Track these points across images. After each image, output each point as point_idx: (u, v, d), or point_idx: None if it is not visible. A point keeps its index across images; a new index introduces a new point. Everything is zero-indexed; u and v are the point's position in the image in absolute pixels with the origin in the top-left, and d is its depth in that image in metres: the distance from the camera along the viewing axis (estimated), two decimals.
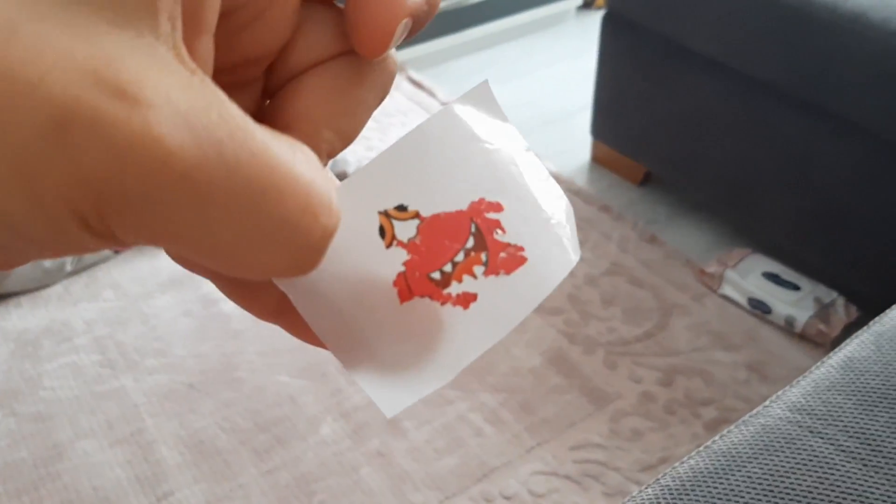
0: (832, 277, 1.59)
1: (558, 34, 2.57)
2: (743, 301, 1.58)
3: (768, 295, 1.55)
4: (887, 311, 0.85)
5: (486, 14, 2.43)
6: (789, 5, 1.40)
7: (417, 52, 2.34)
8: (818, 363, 0.79)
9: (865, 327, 0.83)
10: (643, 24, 1.70)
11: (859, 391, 0.74)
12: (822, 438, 0.69)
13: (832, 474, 0.66)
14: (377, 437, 1.35)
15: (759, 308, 1.55)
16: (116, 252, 1.70)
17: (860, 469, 0.67)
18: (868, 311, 1.56)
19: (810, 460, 0.68)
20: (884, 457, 0.68)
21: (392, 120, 2.13)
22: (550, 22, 2.60)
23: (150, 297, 1.61)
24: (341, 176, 1.90)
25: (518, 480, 1.29)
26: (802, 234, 1.56)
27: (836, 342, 1.50)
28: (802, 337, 1.52)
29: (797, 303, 1.53)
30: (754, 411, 0.75)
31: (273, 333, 1.53)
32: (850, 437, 0.69)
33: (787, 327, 1.53)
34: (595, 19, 2.63)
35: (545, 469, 1.31)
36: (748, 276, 1.59)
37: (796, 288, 1.56)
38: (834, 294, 1.55)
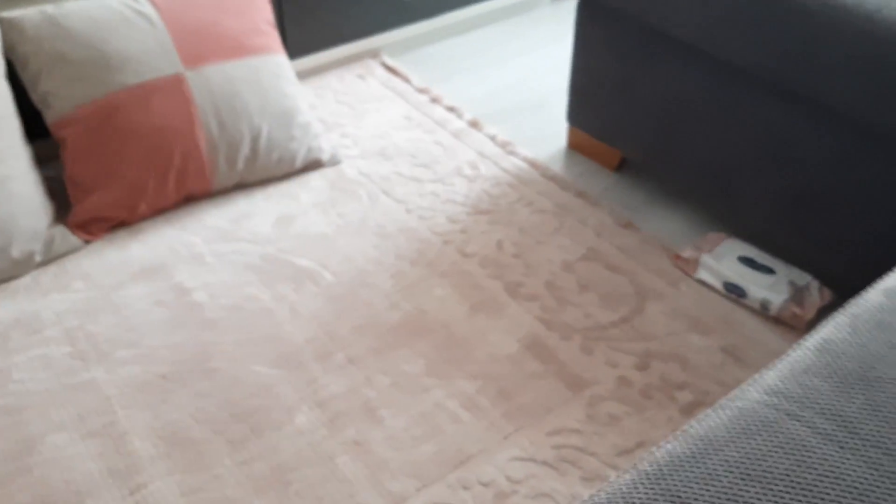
0: (807, 261, 1.59)
1: (534, 19, 2.56)
2: (718, 285, 1.58)
3: (743, 279, 1.55)
4: (862, 292, 0.85)
5: None
6: None
7: (392, 38, 2.31)
8: (794, 346, 0.79)
9: (841, 309, 0.83)
10: (619, 9, 1.69)
11: (836, 373, 0.74)
12: (798, 421, 0.69)
13: (809, 457, 0.66)
14: (353, 425, 1.34)
15: (735, 292, 1.56)
16: (87, 242, 1.68)
17: (837, 451, 0.67)
18: (842, 293, 1.57)
19: (787, 443, 0.67)
20: (861, 439, 0.68)
21: (367, 106, 2.11)
22: (526, 7, 2.59)
23: (121, 287, 1.58)
24: (316, 164, 1.88)
25: (495, 467, 1.29)
26: (777, 218, 1.57)
27: (810, 325, 1.51)
28: (777, 320, 1.53)
29: (772, 286, 1.53)
30: (731, 395, 0.74)
31: (248, 322, 1.51)
32: (827, 419, 0.69)
33: (762, 310, 1.53)
34: (571, 5, 2.62)
35: (522, 455, 1.31)
36: (723, 260, 1.59)
37: (771, 272, 1.56)
38: (808, 277, 1.56)
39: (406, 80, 2.21)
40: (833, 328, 0.80)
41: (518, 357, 1.47)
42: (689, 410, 1.38)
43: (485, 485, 1.27)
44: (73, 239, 1.66)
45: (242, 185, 1.83)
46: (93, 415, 1.36)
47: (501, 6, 2.52)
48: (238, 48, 1.77)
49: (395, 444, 1.32)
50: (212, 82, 1.72)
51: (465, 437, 1.33)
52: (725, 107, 1.57)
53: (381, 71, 2.25)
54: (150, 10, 1.72)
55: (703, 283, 1.61)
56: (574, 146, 2.00)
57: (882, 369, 0.73)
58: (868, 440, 0.67)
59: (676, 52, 1.62)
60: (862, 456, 0.66)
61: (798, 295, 1.52)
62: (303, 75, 2.21)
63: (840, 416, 0.69)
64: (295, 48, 2.15)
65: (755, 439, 0.68)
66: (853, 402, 0.70)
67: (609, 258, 1.68)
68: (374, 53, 2.30)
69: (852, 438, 0.67)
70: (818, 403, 0.71)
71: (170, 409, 1.36)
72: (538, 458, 1.31)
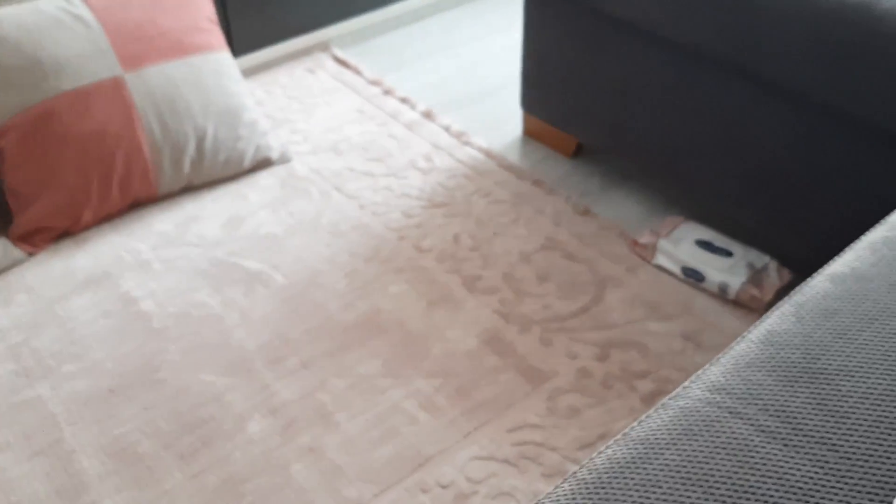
0: (765, 241, 1.58)
1: (484, 7, 2.52)
2: (676, 270, 1.56)
3: (701, 263, 1.53)
4: (808, 280, 0.82)
5: None
6: None
7: (342, 30, 2.27)
8: (738, 338, 0.77)
9: (787, 298, 0.81)
10: None
11: (780, 366, 0.71)
12: (741, 419, 0.67)
13: (752, 457, 0.64)
14: (308, 431, 1.31)
15: (693, 276, 1.54)
16: (30, 254, 1.62)
17: (780, 450, 0.64)
18: (801, 273, 1.56)
19: (729, 443, 0.65)
20: (805, 435, 0.65)
21: (318, 101, 2.07)
22: None
23: (65, 299, 1.53)
24: (265, 162, 1.83)
25: (455, 467, 1.26)
26: (734, 199, 1.55)
27: (769, 306, 1.49)
28: (736, 303, 1.51)
29: (730, 269, 1.51)
30: (673, 393, 0.72)
31: (196, 330, 1.47)
32: (771, 415, 0.67)
33: (721, 294, 1.52)
34: None
35: (482, 454, 1.28)
36: (681, 244, 1.57)
37: (729, 254, 1.54)
38: (766, 258, 1.54)
39: (357, 72, 2.17)
40: (778, 318, 0.77)
41: (477, 353, 1.44)
42: (651, 399, 1.36)
43: (444, 487, 1.24)
44: (16, 252, 1.61)
45: (190, 188, 1.78)
46: (38, 433, 1.31)
47: None
48: (178, 47, 1.72)
49: (351, 449, 1.28)
50: (152, 84, 1.67)
51: (424, 438, 1.30)
52: (679, 88, 1.54)
53: (331, 64, 2.21)
54: (85, 12, 1.66)
55: (661, 268, 1.59)
56: (529, 133, 1.97)
57: (827, 360, 0.71)
58: (812, 436, 0.65)
59: (627, 34, 1.59)
60: (807, 453, 0.64)
61: (756, 277, 1.50)
62: (251, 72, 2.16)
63: (784, 411, 0.67)
64: (241, 44, 2.10)
65: (697, 440, 0.66)
66: (797, 397, 0.68)
67: (567, 247, 1.65)
68: (323, 46, 2.26)
69: (796, 435, 0.65)
70: (761, 399, 0.68)
71: (117, 424, 1.32)
72: (498, 456, 1.28)
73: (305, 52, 2.23)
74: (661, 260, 1.58)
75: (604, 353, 1.44)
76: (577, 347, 1.45)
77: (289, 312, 1.51)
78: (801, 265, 1.56)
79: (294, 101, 2.06)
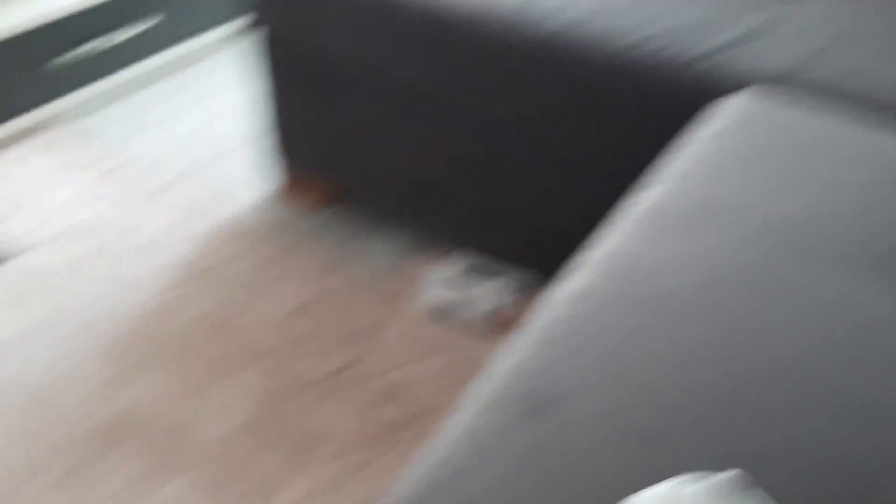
0: (519, 261, 1.63)
1: (223, 62, 2.45)
2: (437, 306, 1.57)
3: (457, 295, 1.56)
4: (538, 303, 0.84)
5: (134, 55, 2.25)
6: (411, 9, 1.41)
7: (67, 104, 2.11)
8: (483, 378, 0.76)
9: (520, 325, 0.82)
10: (289, 43, 1.64)
11: (525, 399, 0.72)
12: (492, 464, 0.66)
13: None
14: None
15: (450, 311, 1.56)
16: None
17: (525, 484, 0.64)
18: (547, 286, 1.62)
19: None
20: (539, 469, 0.65)
21: (46, 183, 1.90)
22: (211, 50, 2.47)
23: None
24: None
25: None
26: (477, 228, 1.59)
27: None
28: (501, 326, 1.55)
29: (483, 297, 1.55)
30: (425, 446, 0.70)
31: None
32: (518, 461, 0.67)
33: (484, 321, 1.55)
34: (241, 48, 2.54)
35: None
36: (438, 280, 1.59)
37: (482, 283, 1.58)
38: (515, 279, 1.59)
39: (84, 149, 2.03)
40: (513, 347, 0.78)
41: (235, 436, 1.36)
42: (423, 443, 1.35)
43: None
44: None
45: None
46: None
47: (183, 54, 2.39)
48: None
49: None
50: None
51: None
52: (409, 126, 1.57)
53: (57, 142, 2.04)
54: None
55: (422, 308, 1.59)
56: (279, 189, 1.92)
57: (562, 385, 0.72)
58: (545, 468, 0.65)
59: (353, 79, 1.59)
60: (542, 487, 0.64)
61: (508, 300, 1.55)
62: None
63: (527, 452, 0.67)
64: None
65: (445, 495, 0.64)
66: (536, 430, 0.69)
67: (326, 302, 1.62)
68: (47, 125, 2.09)
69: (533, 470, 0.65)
70: (512, 441, 0.68)
71: None
72: None
73: (30, 131, 2.05)
74: (421, 300, 1.59)
75: (376, 403, 1.41)
76: (344, 405, 1.41)
77: (21, 436, 1.35)
78: (546, 280, 1.63)
79: (21, 186, 1.89)
